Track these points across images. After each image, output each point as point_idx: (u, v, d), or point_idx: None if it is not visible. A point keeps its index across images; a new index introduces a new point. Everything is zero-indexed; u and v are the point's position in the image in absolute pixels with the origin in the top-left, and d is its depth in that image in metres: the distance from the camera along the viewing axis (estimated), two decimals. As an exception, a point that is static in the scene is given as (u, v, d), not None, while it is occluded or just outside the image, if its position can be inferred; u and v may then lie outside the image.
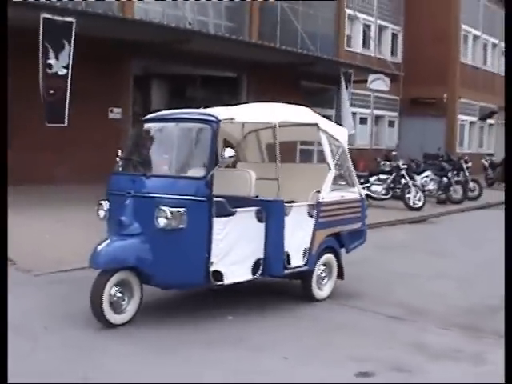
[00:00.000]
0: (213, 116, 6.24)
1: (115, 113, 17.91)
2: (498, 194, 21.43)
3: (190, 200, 5.95)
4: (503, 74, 33.59)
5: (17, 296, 6.87)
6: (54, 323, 6.08)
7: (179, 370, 5.09)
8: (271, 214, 6.58)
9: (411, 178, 16.90)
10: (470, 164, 19.59)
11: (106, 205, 6.36)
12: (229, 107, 6.73)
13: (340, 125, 21.73)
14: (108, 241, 5.99)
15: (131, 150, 6.79)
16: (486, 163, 23.75)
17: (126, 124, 18.42)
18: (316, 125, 7.29)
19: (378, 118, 29.23)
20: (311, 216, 7.02)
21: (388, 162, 18.90)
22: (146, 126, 6.80)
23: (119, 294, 5.96)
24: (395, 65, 28.45)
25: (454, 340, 6.20)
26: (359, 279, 8.35)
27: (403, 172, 16.75)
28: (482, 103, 31.47)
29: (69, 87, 12.66)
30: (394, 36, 29.54)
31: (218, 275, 6.19)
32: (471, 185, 19.36)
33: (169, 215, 5.82)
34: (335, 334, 6.26)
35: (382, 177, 17.16)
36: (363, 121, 28.07)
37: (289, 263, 6.80)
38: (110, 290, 5.86)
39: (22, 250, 8.53)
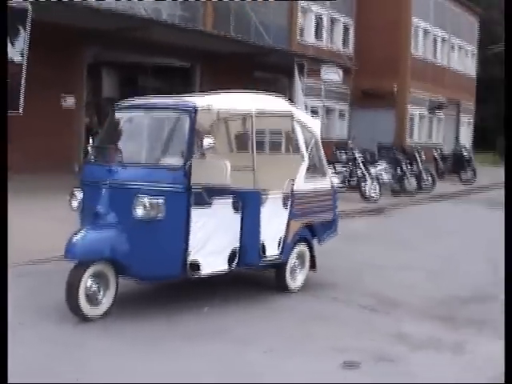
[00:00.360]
0: (190, 104, 6.09)
1: (68, 101, 17.47)
2: (449, 186, 21.88)
3: (168, 189, 5.80)
4: (452, 67, 34.48)
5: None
6: (29, 318, 5.84)
7: (159, 365, 4.96)
8: (248, 203, 6.48)
9: (366, 169, 16.98)
10: (423, 156, 19.82)
11: (79, 195, 6.15)
12: (203, 95, 6.58)
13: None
14: (84, 231, 5.78)
15: (104, 139, 6.56)
16: (437, 155, 24.09)
17: (79, 112, 18.03)
18: (290, 114, 7.20)
19: (328, 110, 29.34)
20: (286, 206, 6.95)
21: (344, 153, 18.93)
22: (120, 113, 6.57)
23: (95, 287, 5.78)
24: (347, 57, 28.67)
25: (432, 330, 6.21)
26: (328, 270, 8.29)
27: (359, 163, 16.83)
28: (431, 96, 31.93)
29: (24, 75, 12.27)
30: (346, 28, 29.69)
31: (195, 266, 6.07)
32: (425, 176, 19.58)
33: (147, 205, 5.66)
34: (314, 324, 6.21)
35: (338, 167, 17.18)
36: (314, 112, 28.04)
37: (264, 253, 6.72)
38: (87, 282, 5.67)
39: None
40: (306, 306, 6.84)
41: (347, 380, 4.87)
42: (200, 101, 6.19)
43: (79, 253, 5.65)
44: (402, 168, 18.57)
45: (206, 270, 6.18)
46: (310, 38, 27.19)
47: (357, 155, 17.05)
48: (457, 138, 31.44)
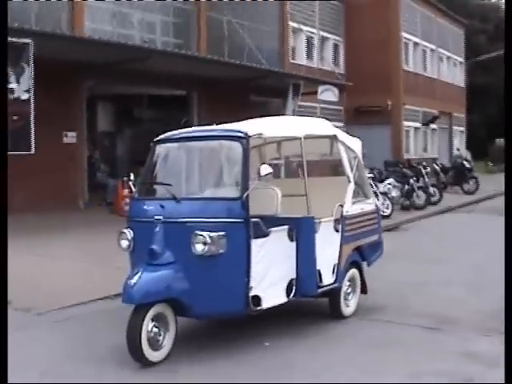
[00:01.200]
0: (241, 132, 5.86)
1: (70, 137, 17.18)
2: (454, 198, 21.80)
3: (227, 222, 5.54)
4: (442, 79, 34.58)
5: (28, 339, 6.33)
6: (84, 366, 5.54)
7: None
8: (302, 231, 6.24)
9: (376, 187, 16.81)
10: (428, 169, 19.73)
11: (129, 234, 5.86)
12: (250, 122, 6.35)
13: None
14: (141, 273, 5.45)
15: (150, 174, 6.28)
16: (438, 168, 24.03)
17: (81, 147, 17.75)
18: (335, 136, 7.00)
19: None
20: (337, 231, 6.73)
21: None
22: (163, 146, 6.30)
23: (155, 330, 5.49)
24: (339, 75, 28.66)
25: (499, 346, 5.98)
26: (370, 291, 8.07)
27: (370, 180, 16.65)
28: (424, 108, 31.97)
29: (32, 112, 12.02)
30: (336, 46, 29.71)
31: (257, 300, 5.80)
32: (431, 190, 19.48)
33: (208, 240, 5.39)
34: (382, 350, 5.97)
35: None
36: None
37: (321, 281, 6.47)
38: (148, 325, 5.38)
39: (12, 288, 7.87)
40: (365, 332, 6.59)
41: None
42: (250, 128, 5.95)
43: (138, 296, 5.34)
44: (409, 183, 18.45)
45: (266, 303, 5.90)
46: (301, 58, 27.16)
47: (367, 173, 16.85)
48: (458, 149, 31.36)
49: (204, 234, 5.40)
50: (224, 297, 5.62)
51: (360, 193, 7.43)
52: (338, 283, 6.72)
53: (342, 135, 7.22)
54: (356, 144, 7.43)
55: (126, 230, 5.90)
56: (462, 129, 39.05)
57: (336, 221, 6.71)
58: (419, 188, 18.77)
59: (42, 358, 5.63)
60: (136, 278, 5.39)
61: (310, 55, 27.84)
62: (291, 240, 6.20)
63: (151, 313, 5.39)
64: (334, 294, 6.82)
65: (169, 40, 20.74)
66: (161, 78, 18.57)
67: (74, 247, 10.99)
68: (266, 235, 5.82)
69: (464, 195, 22.69)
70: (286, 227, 6.13)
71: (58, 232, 12.50)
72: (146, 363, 5.41)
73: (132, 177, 6.25)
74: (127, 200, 12.00)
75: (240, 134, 5.83)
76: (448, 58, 35.74)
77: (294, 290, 6.23)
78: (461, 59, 38.08)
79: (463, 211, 19.26)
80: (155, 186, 6.10)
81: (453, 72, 36.33)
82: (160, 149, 6.29)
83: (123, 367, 5.43)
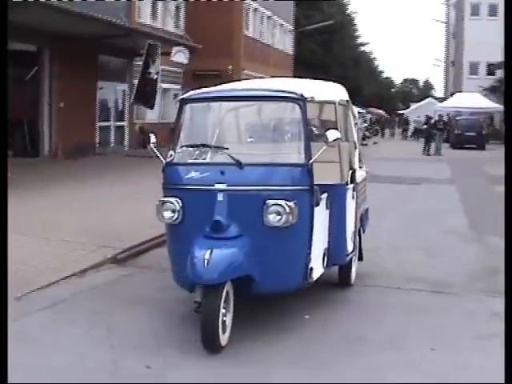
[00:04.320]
0: (297, 94, 5.42)
1: None
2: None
3: (296, 190, 5.17)
4: (275, 46, 35.19)
5: (38, 330, 5.44)
6: (138, 357, 4.84)
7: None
8: (335, 198, 6.00)
9: None
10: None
11: (177, 203, 5.20)
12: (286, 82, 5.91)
13: (145, 100, 21.03)
14: (209, 248, 4.84)
15: (189, 136, 5.60)
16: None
17: None
18: (348, 102, 6.78)
19: (164, 92, 28.59)
20: (353, 197, 6.57)
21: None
22: (201, 105, 5.65)
23: (223, 311, 4.98)
24: (179, 37, 28.05)
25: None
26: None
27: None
28: (260, 74, 32.34)
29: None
30: (178, 8, 29.01)
31: (311, 272, 5.50)
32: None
33: (286, 210, 4.97)
34: (417, 317, 5.98)
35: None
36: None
37: (347, 249, 6.31)
38: (222, 308, 4.88)
39: None
40: (382, 299, 6.55)
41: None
42: (301, 90, 5.53)
43: (216, 275, 4.76)
44: None
45: (315, 275, 5.63)
46: (146, 18, 26.19)
47: None
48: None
49: (281, 202, 4.98)
50: (289, 271, 5.28)
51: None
52: (355, 251, 6.60)
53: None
54: (355, 110, 7.28)
55: (171, 199, 5.22)
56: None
57: (354, 187, 6.55)
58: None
59: (79, 353, 4.89)
60: (207, 254, 4.80)
61: (154, 15, 26.93)
62: (327, 208, 5.95)
63: (224, 293, 4.89)
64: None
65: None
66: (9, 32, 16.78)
67: None
68: (318, 203, 5.52)
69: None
70: (325, 195, 5.86)
71: None
72: (216, 349, 4.89)
73: (153, 139, 5.53)
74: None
75: (296, 96, 5.41)
76: (281, 25, 36.46)
77: (326, 260, 6.00)
78: (291, 27, 39.01)
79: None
80: (199, 150, 5.45)
81: (284, 39, 37.18)
82: (198, 108, 5.64)
83: (183, 354, 4.88)
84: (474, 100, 39.20)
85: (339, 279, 6.80)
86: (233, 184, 5.09)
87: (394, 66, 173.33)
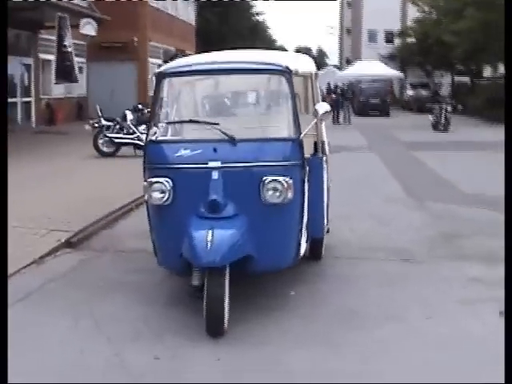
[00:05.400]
0: (282, 66, 5.26)
1: None
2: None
3: (289, 166, 5.05)
4: (179, 16, 34.43)
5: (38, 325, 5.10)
6: (159, 351, 4.60)
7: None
8: (313, 171, 5.88)
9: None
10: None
11: (167, 183, 4.95)
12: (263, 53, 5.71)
13: (67, 75, 20.25)
14: (210, 230, 4.66)
15: (170, 112, 5.31)
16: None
17: None
18: (316, 73, 6.66)
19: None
20: (325, 169, 6.50)
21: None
22: (183, 79, 5.37)
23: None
24: (84, 8, 26.93)
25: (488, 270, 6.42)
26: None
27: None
28: (164, 45, 31.74)
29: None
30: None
31: (300, 249, 5.42)
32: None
33: (284, 186, 4.85)
34: (396, 286, 6.05)
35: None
36: (53, 68, 26.07)
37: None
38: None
39: None
40: (358, 270, 6.57)
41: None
42: (285, 62, 5.36)
43: (220, 258, 4.59)
44: None
45: (302, 250, 5.55)
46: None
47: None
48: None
49: (280, 179, 4.85)
50: (285, 248, 5.20)
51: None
52: (328, 223, 6.56)
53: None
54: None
55: (161, 179, 4.96)
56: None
57: (325, 160, 6.48)
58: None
59: (78, 348, 4.62)
60: (209, 236, 4.62)
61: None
62: (307, 181, 5.85)
63: (228, 275, 4.73)
64: (320, 234, 6.63)
65: None
66: None
67: None
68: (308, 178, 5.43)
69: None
70: (307, 169, 5.75)
71: None
72: (221, 333, 4.74)
73: (130, 115, 5.23)
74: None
75: (282, 68, 5.25)
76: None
77: (306, 235, 5.93)
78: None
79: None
80: (185, 127, 5.19)
81: (186, 10, 36.49)
82: (179, 82, 5.37)
83: (187, 340, 4.70)
84: (375, 68, 40.02)
85: (310, 252, 6.74)
86: (227, 161, 4.91)
87: (287, 35, 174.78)
